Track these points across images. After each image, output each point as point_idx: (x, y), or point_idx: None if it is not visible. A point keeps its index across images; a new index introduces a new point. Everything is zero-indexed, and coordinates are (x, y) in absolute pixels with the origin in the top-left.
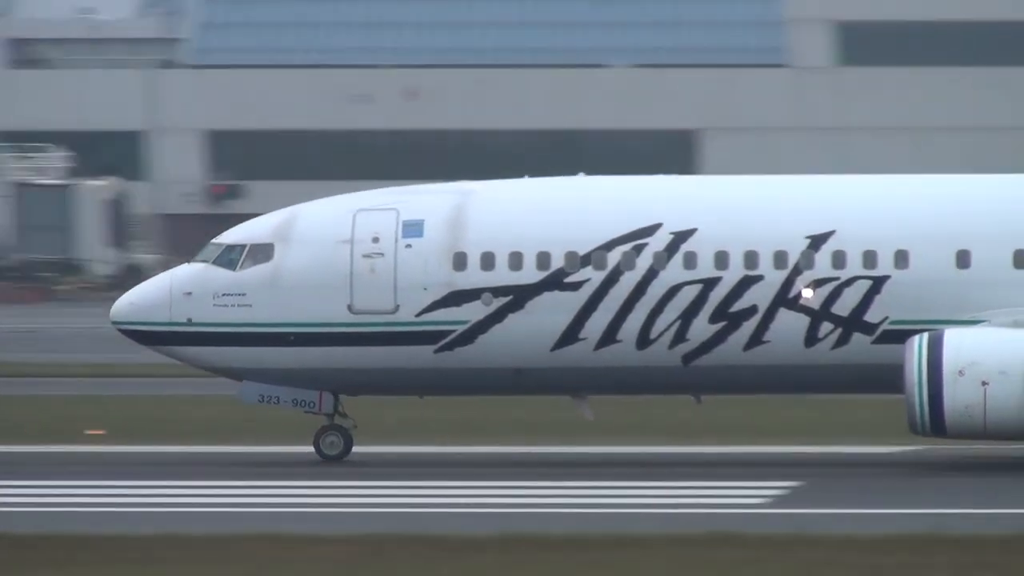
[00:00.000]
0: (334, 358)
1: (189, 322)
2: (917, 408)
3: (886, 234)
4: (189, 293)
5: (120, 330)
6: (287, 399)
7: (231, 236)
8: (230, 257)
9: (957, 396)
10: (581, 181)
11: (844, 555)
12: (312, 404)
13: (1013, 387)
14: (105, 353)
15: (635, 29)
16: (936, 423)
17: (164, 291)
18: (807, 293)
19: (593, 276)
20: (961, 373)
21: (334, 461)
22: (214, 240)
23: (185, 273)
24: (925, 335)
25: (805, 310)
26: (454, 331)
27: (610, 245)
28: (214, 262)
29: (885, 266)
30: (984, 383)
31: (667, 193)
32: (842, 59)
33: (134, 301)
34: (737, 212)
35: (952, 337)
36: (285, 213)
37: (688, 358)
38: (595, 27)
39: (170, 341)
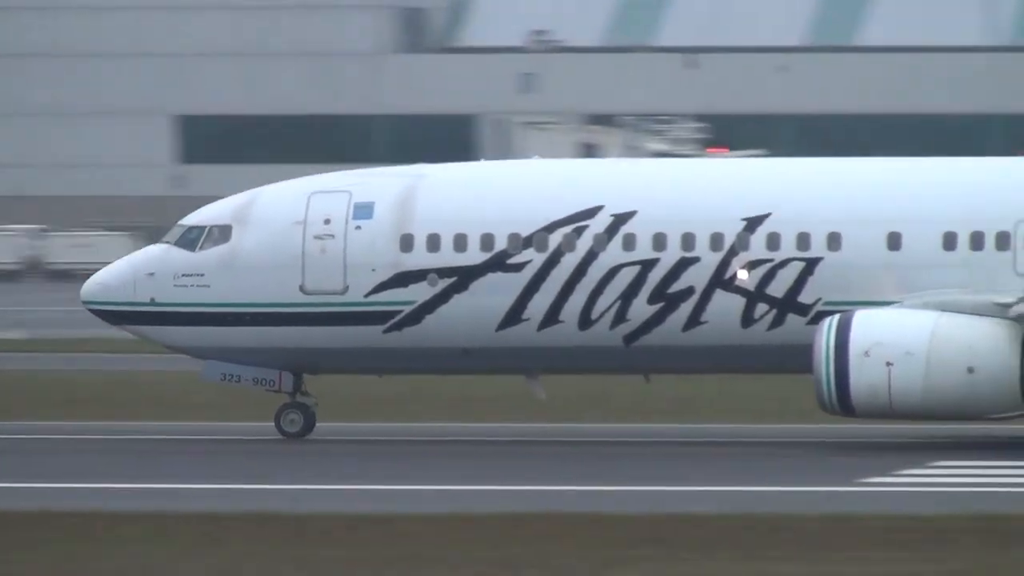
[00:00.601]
0: (288, 338)
1: (152, 302)
2: (825, 388)
3: (819, 216)
4: (152, 274)
5: (90, 310)
6: (248, 378)
7: (193, 218)
8: (190, 238)
9: (862, 376)
10: (530, 164)
11: None
12: (272, 383)
13: (917, 368)
14: None
15: None
16: (844, 402)
17: (129, 272)
18: (743, 274)
19: (535, 258)
20: (867, 354)
21: (295, 438)
22: (179, 222)
23: (149, 254)
24: (836, 316)
25: (741, 291)
26: (401, 311)
27: (552, 227)
28: (176, 243)
29: (818, 248)
30: (889, 363)
31: (610, 175)
32: None
33: (101, 281)
34: (675, 194)
35: (860, 319)
36: (246, 195)
37: (629, 338)
38: None
39: (135, 320)
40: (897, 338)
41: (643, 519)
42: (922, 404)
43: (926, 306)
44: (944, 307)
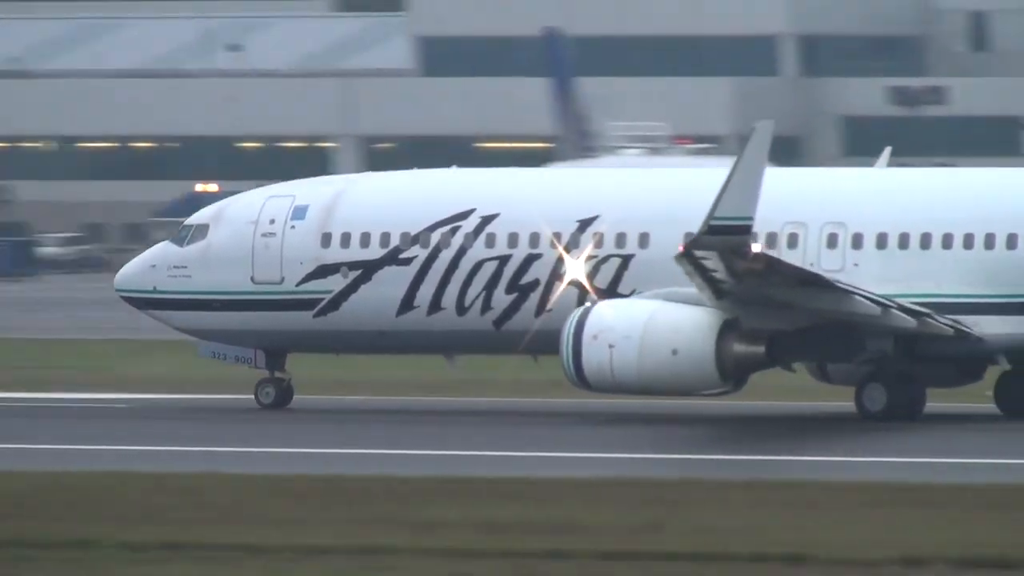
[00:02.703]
0: (245, 321)
1: (155, 290)
2: (566, 366)
3: (634, 218)
4: (154, 266)
5: (120, 296)
6: (231, 356)
7: (191, 218)
8: (182, 235)
9: (590, 357)
10: (444, 173)
11: None
12: (250, 360)
13: (632, 349)
14: None
15: None
16: (580, 378)
17: (141, 264)
18: (575, 269)
19: (420, 253)
20: (595, 337)
21: (269, 408)
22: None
23: (155, 249)
24: (585, 306)
25: (574, 283)
26: (323, 299)
27: (434, 227)
28: (173, 240)
29: (632, 246)
30: (611, 346)
31: (485, 182)
32: None
33: (126, 272)
34: (529, 198)
35: (598, 308)
36: (228, 199)
37: (497, 323)
38: None
39: (146, 306)
40: (619, 324)
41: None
42: (638, 381)
43: (656, 296)
44: (668, 297)
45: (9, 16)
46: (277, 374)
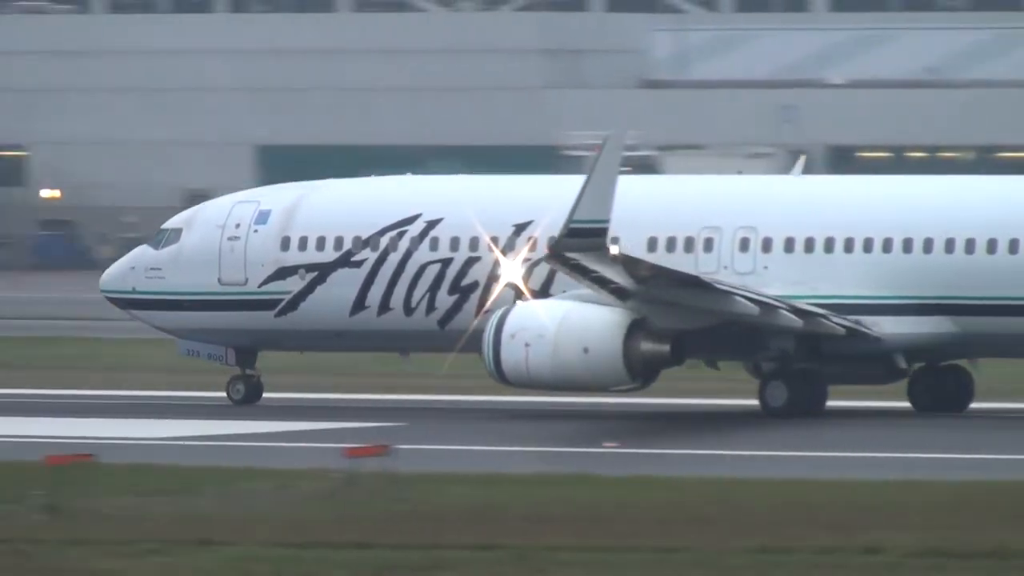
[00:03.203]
0: (214, 320)
1: (133, 291)
2: (487, 364)
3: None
4: (133, 268)
5: (105, 297)
6: (204, 354)
7: (166, 223)
8: (158, 239)
9: (509, 355)
10: (396, 179)
11: None
12: (221, 358)
13: (547, 348)
14: None
15: None
16: (500, 375)
17: (122, 266)
18: (511, 271)
19: (370, 256)
20: (513, 336)
21: (240, 404)
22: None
23: (134, 252)
24: (505, 307)
25: (511, 284)
26: (283, 299)
27: (384, 231)
28: (150, 243)
29: None
30: (527, 344)
31: (432, 189)
32: None
33: (109, 273)
34: (471, 204)
35: (517, 308)
36: (199, 204)
37: (442, 323)
38: None
39: (127, 306)
40: (534, 323)
41: None
42: (553, 377)
43: (572, 297)
44: (584, 299)
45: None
46: (248, 371)
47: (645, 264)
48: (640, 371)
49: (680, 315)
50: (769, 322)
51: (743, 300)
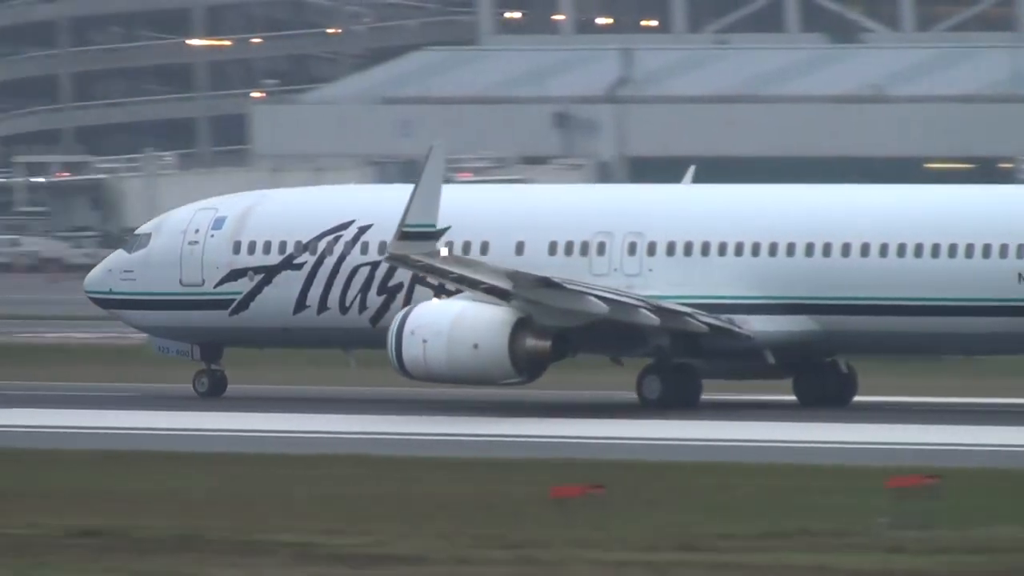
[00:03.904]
0: (177, 319)
1: (110, 291)
2: (391, 358)
3: (478, 228)
4: (110, 270)
5: (88, 297)
6: (173, 350)
7: (139, 228)
8: (132, 243)
9: (408, 350)
10: (338, 188)
11: None
12: (187, 353)
13: (442, 344)
14: None
15: None
16: (402, 369)
17: (102, 268)
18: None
19: (309, 259)
20: (412, 333)
21: (204, 397)
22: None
23: (113, 255)
24: (408, 306)
25: (430, 286)
26: (235, 299)
27: (321, 236)
28: (125, 247)
29: (475, 252)
30: (424, 340)
31: (367, 197)
32: None
33: (91, 274)
34: (394, 211)
35: (418, 307)
36: (167, 212)
37: (373, 321)
38: None
39: (106, 305)
40: (432, 321)
41: None
42: (448, 371)
43: (467, 297)
44: (477, 299)
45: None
46: (212, 366)
47: (476, 264)
48: (525, 366)
49: (561, 314)
50: (628, 320)
51: (594, 299)
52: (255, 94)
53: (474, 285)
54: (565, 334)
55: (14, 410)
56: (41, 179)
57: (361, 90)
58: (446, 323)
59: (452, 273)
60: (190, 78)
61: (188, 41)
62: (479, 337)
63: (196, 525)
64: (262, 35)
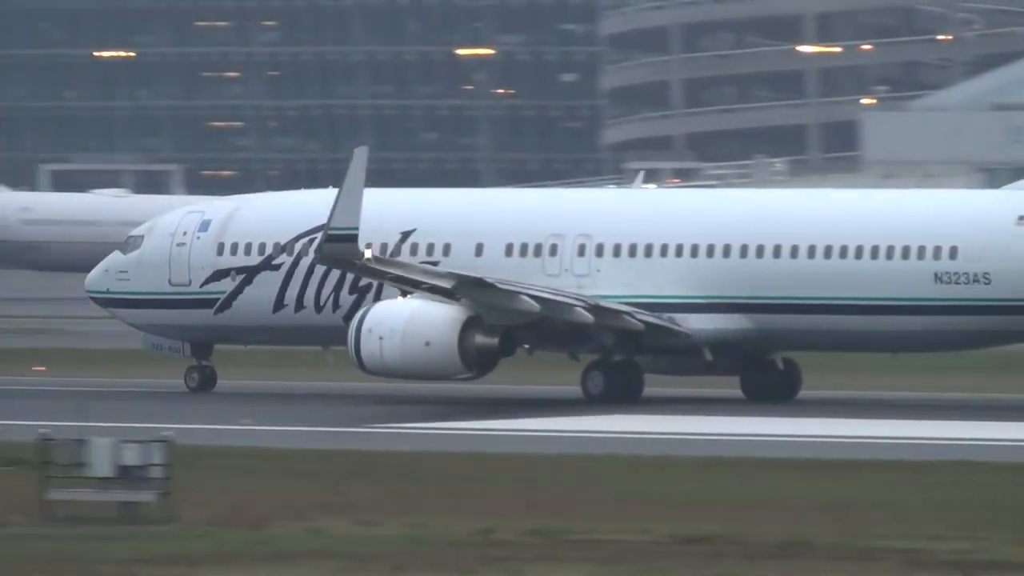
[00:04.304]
0: (166, 317)
1: (107, 291)
2: (350, 354)
3: (441, 231)
4: (107, 271)
5: (89, 296)
6: (165, 347)
7: (133, 231)
8: (126, 245)
9: (366, 346)
10: (314, 193)
11: None
12: (179, 350)
13: (396, 341)
14: None
15: None
16: (360, 364)
17: (100, 268)
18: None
19: (286, 260)
20: (370, 331)
21: (195, 391)
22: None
23: (110, 257)
24: (368, 305)
25: (396, 284)
26: (219, 298)
27: (298, 238)
28: (121, 249)
29: (438, 253)
30: (381, 338)
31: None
32: None
33: (91, 274)
34: (367, 214)
35: (376, 306)
36: (160, 215)
37: (346, 319)
38: None
39: (105, 304)
40: (387, 319)
41: None
42: (403, 367)
43: (421, 297)
44: (430, 298)
45: None
46: (203, 362)
47: (400, 264)
48: (474, 362)
49: (504, 312)
50: (565, 319)
51: (526, 298)
52: (865, 100)
53: (415, 285)
54: (511, 332)
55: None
56: (652, 185)
57: (971, 96)
58: (400, 321)
59: (389, 274)
60: (800, 84)
61: (798, 48)
62: (431, 335)
63: (801, 532)
64: (872, 42)
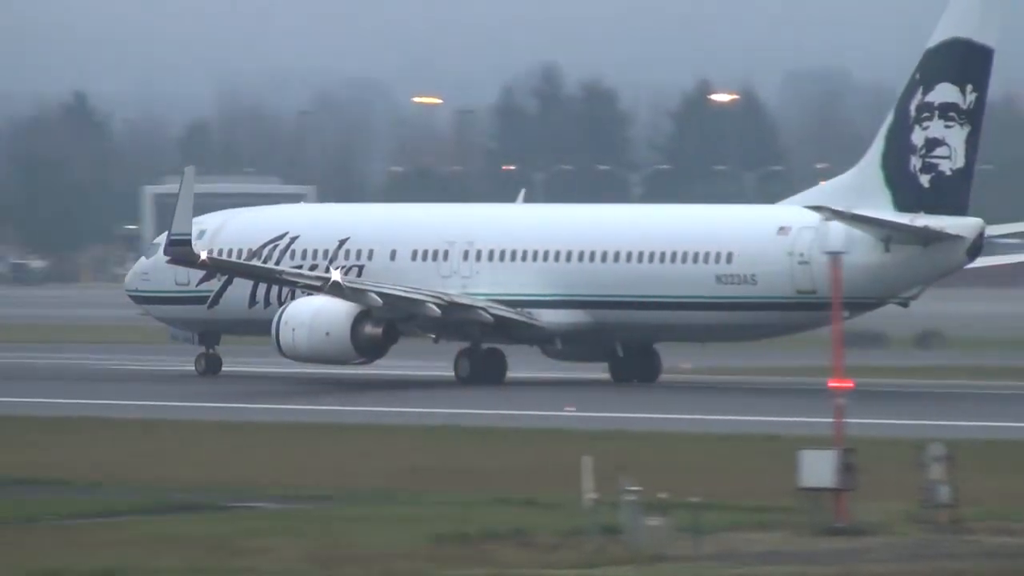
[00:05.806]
0: (174, 312)
1: (137, 290)
2: (273, 343)
3: (367, 239)
4: (136, 273)
5: (127, 295)
6: (182, 337)
7: (156, 239)
8: (148, 251)
9: (283, 336)
10: (286, 207)
11: None
12: (191, 339)
13: (305, 332)
14: None
15: None
16: (280, 352)
17: (133, 271)
18: (335, 275)
19: (256, 263)
20: (286, 323)
21: (203, 375)
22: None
23: (139, 261)
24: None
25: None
26: (208, 296)
27: (265, 245)
28: (145, 254)
29: (364, 258)
30: (293, 329)
31: (301, 214)
32: None
33: (128, 276)
34: (314, 226)
35: (293, 302)
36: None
37: None
38: None
39: (138, 301)
40: (300, 313)
41: None
42: (311, 354)
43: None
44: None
45: None
46: (210, 350)
47: (230, 263)
48: (365, 349)
49: (392, 306)
50: (416, 313)
51: (372, 295)
52: None
53: (287, 283)
54: (393, 323)
55: None
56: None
57: None
58: (308, 315)
59: (259, 271)
60: None
61: None
62: (330, 326)
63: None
64: None
